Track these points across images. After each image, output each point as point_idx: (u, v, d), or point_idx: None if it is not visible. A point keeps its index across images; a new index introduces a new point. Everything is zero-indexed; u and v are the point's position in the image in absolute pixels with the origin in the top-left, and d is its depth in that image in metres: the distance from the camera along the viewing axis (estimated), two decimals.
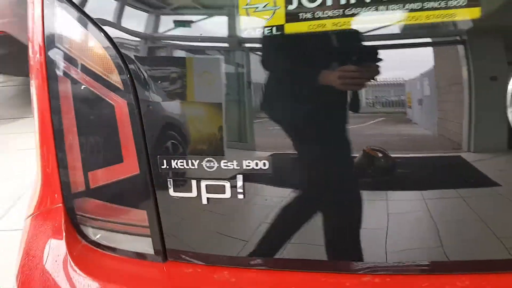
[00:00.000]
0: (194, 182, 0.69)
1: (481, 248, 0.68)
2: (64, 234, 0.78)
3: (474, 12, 0.59)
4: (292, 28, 0.63)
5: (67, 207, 0.77)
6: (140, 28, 0.68)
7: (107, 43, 0.67)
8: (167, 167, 0.69)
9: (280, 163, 0.67)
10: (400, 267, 0.68)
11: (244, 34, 0.65)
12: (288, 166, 0.68)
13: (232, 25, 0.65)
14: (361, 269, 0.69)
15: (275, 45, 0.65)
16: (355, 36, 0.63)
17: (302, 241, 0.71)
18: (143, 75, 0.68)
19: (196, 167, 0.69)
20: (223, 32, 0.66)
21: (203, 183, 0.69)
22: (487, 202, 0.64)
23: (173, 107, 0.69)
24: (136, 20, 0.68)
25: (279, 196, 0.69)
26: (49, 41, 0.71)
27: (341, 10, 0.61)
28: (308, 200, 0.70)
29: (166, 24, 0.68)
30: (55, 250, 0.78)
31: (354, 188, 0.67)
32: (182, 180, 0.70)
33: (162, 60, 0.69)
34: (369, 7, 0.60)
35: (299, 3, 0.62)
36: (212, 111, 0.67)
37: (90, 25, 0.68)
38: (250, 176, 0.68)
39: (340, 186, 0.68)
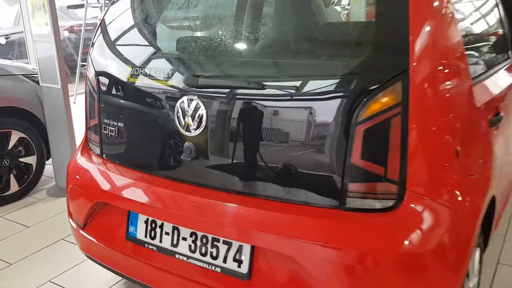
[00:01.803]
0: (108, 126, 1.98)
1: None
2: (81, 145, 2.18)
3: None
4: (137, 81, 1.87)
5: (87, 134, 2.17)
6: (105, 77, 2.01)
7: (95, 75, 2.03)
8: (103, 121, 2.00)
9: (129, 124, 1.91)
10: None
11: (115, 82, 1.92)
12: (136, 126, 1.91)
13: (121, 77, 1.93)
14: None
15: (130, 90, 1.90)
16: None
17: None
18: (101, 90, 2.01)
19: (105, 121, 1.98)
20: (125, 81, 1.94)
21: (107, 126, 1.98)
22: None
23: (108, 108, 2.00)
24: (104, 69, 2.02)
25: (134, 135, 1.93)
26: (90, 71, 2.10)
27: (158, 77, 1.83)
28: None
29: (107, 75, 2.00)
30: (79, 153, 2.17)
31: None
32: (105, 126, 2.00)
33: (106, 87, 2.00)
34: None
35: (146, 74, 1.85)
36: (118, 114, 1.97)
37: (93, 69, 2.05)
38: (117, 129, 1.93)
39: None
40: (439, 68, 1.45)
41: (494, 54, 2.24)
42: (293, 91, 1.51)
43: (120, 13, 2.07)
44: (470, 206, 1.53)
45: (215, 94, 1.64)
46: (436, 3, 1.50)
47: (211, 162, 1.68)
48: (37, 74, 3.74)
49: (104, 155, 2.04)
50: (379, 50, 1.45)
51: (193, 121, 1.65)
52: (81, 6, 8.75)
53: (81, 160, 2.11)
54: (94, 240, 2.01)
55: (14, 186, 3.61)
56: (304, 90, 1.50)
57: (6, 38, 9.02)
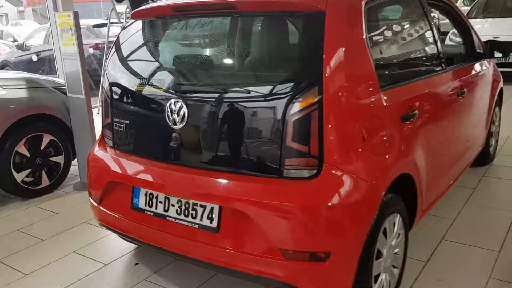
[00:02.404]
0: (118, 124, 2.60)
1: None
2: (98, 140, 2.80)
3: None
4: (139, 89, 2.49)
5: (103, 131, 2.79)
6: (116, 86, 2.64)
7: (109, 86, 2.65)
8: (115, 120, 2.62)
9: (134, 121, 2.53)
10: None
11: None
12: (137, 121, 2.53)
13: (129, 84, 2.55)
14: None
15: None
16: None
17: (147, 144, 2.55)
18: (111, 98, 2.63)
19: (116, 120, 2.59)
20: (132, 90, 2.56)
21: (117, 123, 2.59)
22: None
23: (118, 110, 2.62)
24: (115, 81, 2.64)
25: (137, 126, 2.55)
26: (105, 82, 2.73)
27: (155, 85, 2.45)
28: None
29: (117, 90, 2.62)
30: (96, 146, 2.80)
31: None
32: (116, 124, 2.61)
33: (117, 94, 2.62)
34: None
35: (146, 83, 2.48)
36: (125, 114, 2.58)
37: (108, 81, 2.67)
38: (124, 125, 2.55)
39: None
40: (346, 77, 2.02)
41: (418, 67, 2.80)
42: (247, 95, 2.10)
43: (126, 39, 2.69)
44: (374, 176, 2.08)
45: (193, 97, 2.24)
46: (346, 34, 2.09)
47: (191, 147, 2.28)
48: (65, 86, 4.41)
49: (115, 146, 2.65)
50: (304, 65, 2.04)
51: (178, 117, 2.25)
52: (106, 25, 9.54)
53: (98, 151, 2.73)
54: (108, 211, 2.61)
55: (45, 181, 4.27)
56: (254, 94, 2.09)
57: (37, 55, 9.88)
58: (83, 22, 9.36)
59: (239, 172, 2.13)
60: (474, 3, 10.24)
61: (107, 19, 9.00)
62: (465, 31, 3.59)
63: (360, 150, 2.06)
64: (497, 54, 3.77)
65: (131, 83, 2.54)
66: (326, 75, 1.96)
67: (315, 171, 2.00)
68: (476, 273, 2.73)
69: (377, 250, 2.20)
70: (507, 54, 3.69)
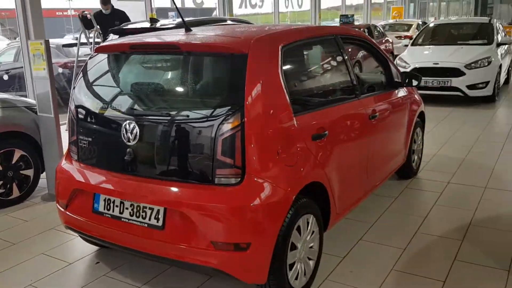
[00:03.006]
0: (82, 140, 3.09)
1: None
2: (65, 154, 3.28)
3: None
4: (100, 111, 3.00)
5: (69, 146, 3.27)
6: (81, 108, 3.14)
7: (75, 108, 3.14)
8: (79, 137, 3.11)
9: (95, 139, 3.02)
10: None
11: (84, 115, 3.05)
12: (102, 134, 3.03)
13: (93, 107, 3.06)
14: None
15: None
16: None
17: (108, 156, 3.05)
18: (77, 118, 3.12)
19: (80, 137, 3.08)
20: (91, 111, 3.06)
21: (81, 140, 3.08)
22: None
23: (82, 129, 3.11)
24: (79, 106, 3.14)
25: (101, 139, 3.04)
26: (72, 104, 3.22)
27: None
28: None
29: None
30: (64, 160, 3.28)
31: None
32: (80, 140, 3.10)
33: (82, 115, 3.12)
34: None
35: (106, 107, 2.99)
36: (88, 132, 3.08)
37: (74, 103, 3.16)
38: (87, 142, 3.04)
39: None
40: (263, 105, 2.58)
41: (330, 96, 3.40)
42: (186, 118, 2.64)
43: (90, 68, 3.20)
44: (286, 183, 2.64)
45: (143, 119, 2.76)
46: (263, 71, 2.65)
47: (141, 160, 2.79)
48: (35, 106, 4.85)
49: (79, 160, 3.13)
50: (230, 95, 2.60)
51: (131, 135, 2.76)
52: (75, 45, 9.96)
53: (65, 164, 3.21)
54: (73, 215, 3.08)
55: (15, 193, 4.68)
56: (192, 117, 2.63)
57: (7, 73, 10.19)
58: (53, 41, 9.75)
59: (179, 180, 2.65)
60: (420, 30, 11.10)
61: (77, 39, 9.42)
62: (384, 63, 4.23)
63: (275, 162, 2.61)
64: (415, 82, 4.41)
65: (93, 106, 3.04)
66: (247, 103, 2.52)
67: (239, 179, 2.53)
68: (382, 267, 3.30)
69: (292, 243, 2.74)
70: (419, 81, 4.33)
